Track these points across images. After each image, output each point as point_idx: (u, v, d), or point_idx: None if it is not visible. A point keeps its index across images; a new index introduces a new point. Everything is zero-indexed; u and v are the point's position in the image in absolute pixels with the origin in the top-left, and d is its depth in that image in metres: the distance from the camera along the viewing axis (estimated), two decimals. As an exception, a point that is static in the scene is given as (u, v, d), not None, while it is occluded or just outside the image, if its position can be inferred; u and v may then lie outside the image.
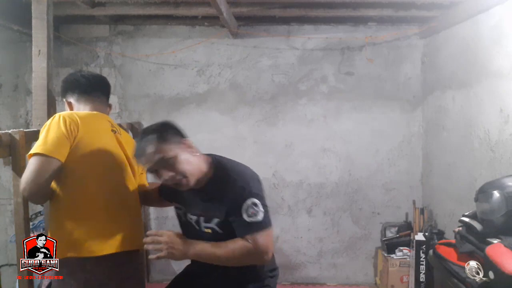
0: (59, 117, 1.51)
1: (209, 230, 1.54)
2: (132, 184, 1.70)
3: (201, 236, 1.53)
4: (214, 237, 1.51)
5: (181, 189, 1.52)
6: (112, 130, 1.67)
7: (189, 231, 1.59)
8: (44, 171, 1.42)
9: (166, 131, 1.49)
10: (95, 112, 1.66)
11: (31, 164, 1.43)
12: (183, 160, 1.45)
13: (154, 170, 1.47)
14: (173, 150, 1.45)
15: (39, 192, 1.46)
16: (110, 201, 1.57)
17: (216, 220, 1.52)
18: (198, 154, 1.54)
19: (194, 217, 1.59)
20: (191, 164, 1.48)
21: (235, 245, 1.45)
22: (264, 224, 1.46)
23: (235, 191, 1.48)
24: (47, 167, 1.43)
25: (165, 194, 1.75)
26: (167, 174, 1.45)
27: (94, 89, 1.72)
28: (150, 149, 1.43)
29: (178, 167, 1.45)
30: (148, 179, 1.88)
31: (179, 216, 1.69)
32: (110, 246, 1.52)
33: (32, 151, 1.45)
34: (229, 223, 1.49)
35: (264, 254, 1.46)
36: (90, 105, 1.69)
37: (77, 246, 1.47)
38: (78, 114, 1.56)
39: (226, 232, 1.50)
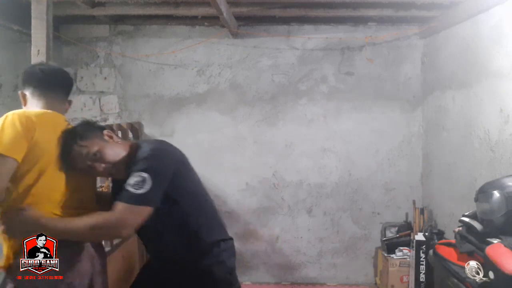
0: (13, 115, 1.41)
1: None
2: (90, 186, 1.64)
3: None
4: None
5: (117, 177, 1.58)
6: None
7: None
8: None
9: (84, 129, 1.56)
10: (49, 111, 1.54)
11: None
12: (108, 151, 1.52)
13: (87, 167, 1.52)
14: (96, 143, 1.52)
15: None
16: (66, 206, 1.49)
17: None
18: (120, 142, 1.61)
19: None
20: (117, 152, 1.55)
21: (92, 217, 1.42)
22: (139, 199, 1.42)
23: (134, 163, 1.50)
24: (2, 168, 1.33)
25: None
26: (100, 167, 1.51)
27: (51, 84, 1.60)
28: (77, 149, 1.49)
29: (107, 158, 1.52)
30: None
31: None
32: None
33: None
34: None
35: (120, 227, 1.42)
36: (44, 100, 1.57)
37: None
38: (33, 113, 1.46)
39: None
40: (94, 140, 1.52)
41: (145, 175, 1.44)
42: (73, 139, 1.50)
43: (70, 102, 1.72)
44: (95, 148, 1.50)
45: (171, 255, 1.63)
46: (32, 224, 1.38)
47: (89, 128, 1.58)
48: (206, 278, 1.61)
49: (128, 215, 1.41)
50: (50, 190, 1.46)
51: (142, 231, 1.59)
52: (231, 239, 1.75)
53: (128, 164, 1.54)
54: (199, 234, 1.60)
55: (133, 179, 1.44)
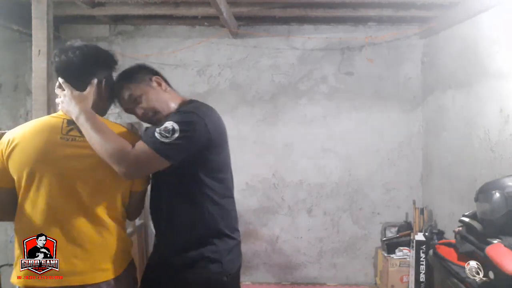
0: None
1: None
2: (93, 197, 1.37)
3: None
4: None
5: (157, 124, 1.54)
6: (62, 138, 1.36)
7: None
8: None
9: (134, 72, 1.56)
10: (45, 119, 1.45)
11: None
12: (151, 97, 1.51)
13: (129, 109, 1.53)
14: (141, 88, 1.51)
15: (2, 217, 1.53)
16: (53, 227, 1.37)
17: None
18: (169, 91, 1.58)
19: None
20: (161, 100, 1.52)
21: (118, 139, 1.35)
22: (160, 146, 1.34)
23: (175, 113, 1.48)
24: None
25: None
26: (140, 111, 1.51)
27: None
28: (122, 90, 1.51)
29: (148, 104, 1.50)
30: None
31: None
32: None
33: None
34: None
35: (130, 164, 1.32)
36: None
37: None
38: (16, 131, 1.39)
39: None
40: (139, 84, 1.52)
41: (176, 126, 1.36)
42: (121, 80, 1.53)
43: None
44: (138, 92, 1.50)
45: (180, 222, 1.50)
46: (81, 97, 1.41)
47: (138, 71, 1.57)
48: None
49: (143, 157, 1.34)
50: (32, 212, 1.41)
51: (157, 190, 1.53)
52: (239, 241, 1.68)
53: (171, 114, 1.50)
54: (210, 212, 1.51)
55: (164, 126, 1.38)
